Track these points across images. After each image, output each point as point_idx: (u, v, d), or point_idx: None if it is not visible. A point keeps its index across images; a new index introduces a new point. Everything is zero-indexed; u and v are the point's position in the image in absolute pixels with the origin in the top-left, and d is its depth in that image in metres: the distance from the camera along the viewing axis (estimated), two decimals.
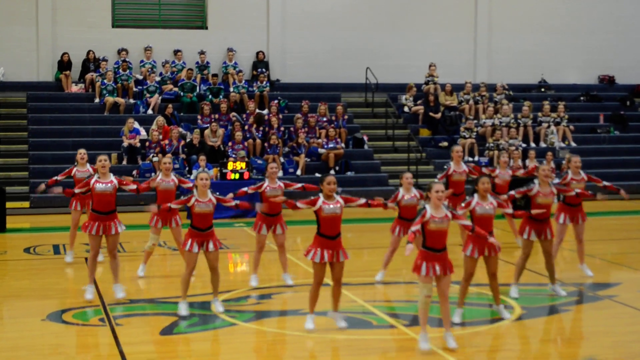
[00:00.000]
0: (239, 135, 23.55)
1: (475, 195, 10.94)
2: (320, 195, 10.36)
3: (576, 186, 13.40)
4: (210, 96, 25.99)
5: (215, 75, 26.69)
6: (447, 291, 9.85)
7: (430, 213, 9.75)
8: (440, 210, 9.79)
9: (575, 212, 13.63)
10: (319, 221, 10.36)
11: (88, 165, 15.34)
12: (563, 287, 12.87)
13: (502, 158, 16.43)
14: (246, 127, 24.34)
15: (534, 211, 11.88)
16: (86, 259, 15.47)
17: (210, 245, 11.23)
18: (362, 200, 10.85)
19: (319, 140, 24.65)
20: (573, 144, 26.74)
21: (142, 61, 27.04)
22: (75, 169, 15.33)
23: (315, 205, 10.29)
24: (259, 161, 23.23)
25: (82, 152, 15.45)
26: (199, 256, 11.35)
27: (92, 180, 12.22)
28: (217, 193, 11.40)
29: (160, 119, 23.86)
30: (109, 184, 12.17)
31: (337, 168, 24.18)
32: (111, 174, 12.31)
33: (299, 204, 10.42)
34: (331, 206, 10.29)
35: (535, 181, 12.17)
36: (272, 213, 12.98)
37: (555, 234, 12.97)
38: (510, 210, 11.28)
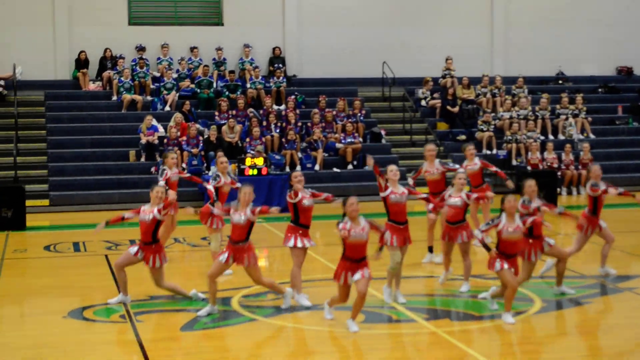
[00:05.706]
0: (256, 131, 23.58)
1: (503, 215, 10.72)
2: (346, 219, 10.24)
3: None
4: (227, 92, 26.02)
5: (232, 71, 26.72)
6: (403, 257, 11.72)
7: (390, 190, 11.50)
8: (398, 187, 11.53)
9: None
10: (344, 245, 10.29)
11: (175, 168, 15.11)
12: (583, 279, 12.83)
13: (469, 150, 15.46)
14: (264, 123, 24.35)
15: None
16: (106, 255, 15.59)
17: (245, 261, 11.17)
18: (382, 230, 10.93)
19: (337, 135, 24.64)
20: (592, 136, 26.63)
21: (158, 58, 27.11)
22: (168, 173, 14.95)
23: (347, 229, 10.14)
24: (277, 156, 23.26)
25: (173, 157, 15.22)
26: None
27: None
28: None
29: (178, 115, 23.92)
30: None
31: (354, 162, 24.17)
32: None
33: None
34: (357, 230, 10.21)
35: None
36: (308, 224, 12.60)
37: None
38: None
